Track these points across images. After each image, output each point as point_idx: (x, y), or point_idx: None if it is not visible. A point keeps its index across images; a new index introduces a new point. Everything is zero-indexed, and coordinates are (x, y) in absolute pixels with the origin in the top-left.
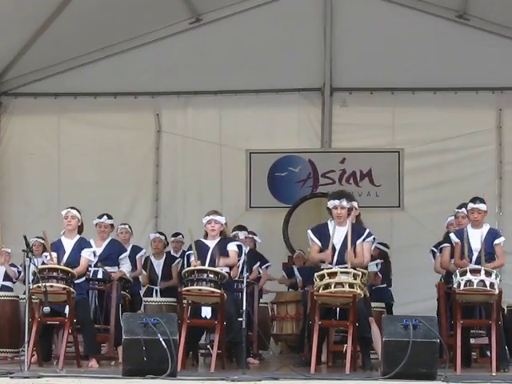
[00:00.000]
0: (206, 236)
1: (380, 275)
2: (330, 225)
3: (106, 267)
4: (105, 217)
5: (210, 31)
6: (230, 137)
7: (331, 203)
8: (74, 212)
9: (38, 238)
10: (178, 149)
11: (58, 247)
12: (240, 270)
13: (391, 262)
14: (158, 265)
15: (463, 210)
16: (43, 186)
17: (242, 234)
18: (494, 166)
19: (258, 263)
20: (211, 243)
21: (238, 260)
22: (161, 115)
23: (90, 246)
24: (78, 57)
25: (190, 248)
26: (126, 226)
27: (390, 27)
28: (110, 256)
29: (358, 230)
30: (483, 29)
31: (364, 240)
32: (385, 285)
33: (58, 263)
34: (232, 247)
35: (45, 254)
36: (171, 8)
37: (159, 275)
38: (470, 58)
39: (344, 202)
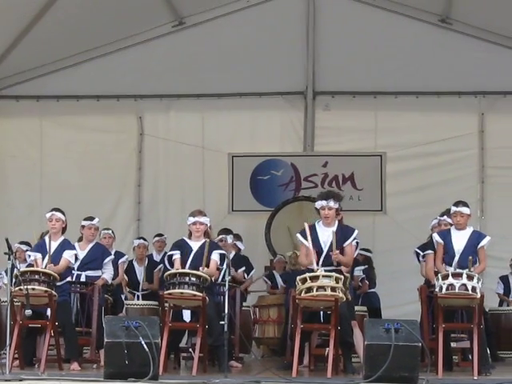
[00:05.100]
0: (189, 236)
1: (367, 282)
2: (318, 226)
3: (89, 271)
4: (96, 219)
5: (192, 34)
6: (213, 140)
7: (319, 204)
8: (59, 215)
9: (21, 243)
10: (160, 152)
11: (41, 248)
12: (222, 273)
13: (374, 268)
14: (141, 271)
15: (445, 217)
16: (25, 188)
17: (229, 238)
18: (476, 170)
19: (244, 268)
20: (195, 244)
21: (218, 269)
22: (143, 118)
23: (73, 248)
24: (60, 59)
25: (172, 248)
26: (110, 231)
27: (372, 31)
28: (95, 260)
29: (345, 231)
30: (466, 33)
31: (351, 242)
32: (373, 290)
33: (41, 264)
34: (214, 256)
35: (28, 253)
36: (154, 11)
37: (141, 282)
38: (452, 62)
39: (331, 203)
